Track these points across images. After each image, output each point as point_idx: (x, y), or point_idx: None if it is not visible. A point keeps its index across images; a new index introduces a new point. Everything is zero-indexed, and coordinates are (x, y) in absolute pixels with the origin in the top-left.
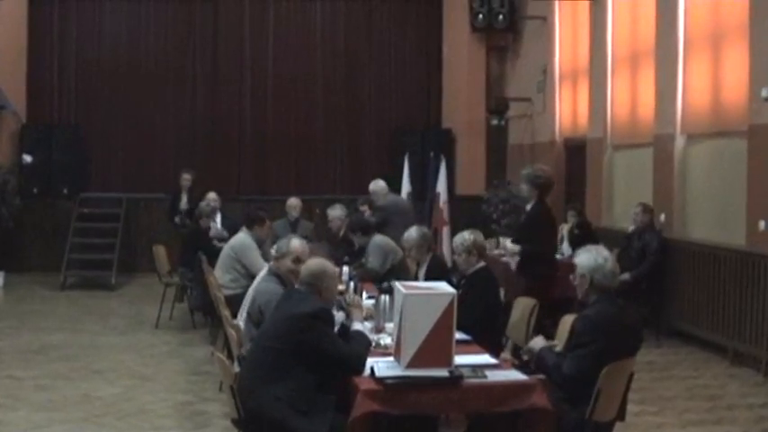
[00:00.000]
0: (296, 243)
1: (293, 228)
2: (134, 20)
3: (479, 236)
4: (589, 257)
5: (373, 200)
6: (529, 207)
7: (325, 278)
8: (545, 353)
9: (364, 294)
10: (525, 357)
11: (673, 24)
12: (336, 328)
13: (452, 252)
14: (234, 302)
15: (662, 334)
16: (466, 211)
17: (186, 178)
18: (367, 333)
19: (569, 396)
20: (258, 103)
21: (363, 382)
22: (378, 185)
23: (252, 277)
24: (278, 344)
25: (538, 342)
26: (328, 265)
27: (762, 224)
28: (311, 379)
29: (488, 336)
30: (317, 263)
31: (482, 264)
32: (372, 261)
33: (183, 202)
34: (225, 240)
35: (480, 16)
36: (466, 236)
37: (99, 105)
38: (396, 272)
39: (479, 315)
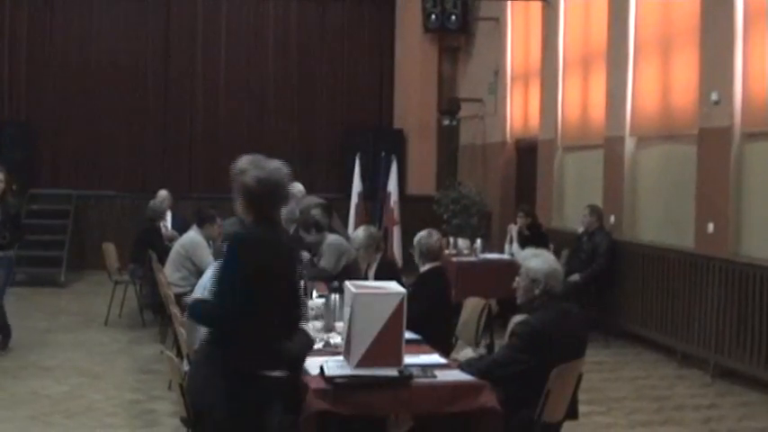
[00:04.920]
0: None
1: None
2: (86, 17)
3: (432, 238)
4: (543, 263)
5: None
6: None
7: None
8: (470, 360)
9: (314, 294)
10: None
11: (624, 27)
12: None
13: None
14: (184, 300)
15: (611, 335)
16: (416, 211)
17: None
18: (311, 332)
19: (511, 396)
20: (210, 102)
21: (313, 382)
22: (296, 188)
23: (201, 275)
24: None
25: (466, 353)
26: None
27: (710, 226)
28: None
29: (438, 335)
30: None
31: (435, 264)
32: (325, 261)
33: None
34: (174, 241)
35: (433, 17)
36: (422, 235)
37: (49, 102)
38: (348, 272)
39: (427, 313)
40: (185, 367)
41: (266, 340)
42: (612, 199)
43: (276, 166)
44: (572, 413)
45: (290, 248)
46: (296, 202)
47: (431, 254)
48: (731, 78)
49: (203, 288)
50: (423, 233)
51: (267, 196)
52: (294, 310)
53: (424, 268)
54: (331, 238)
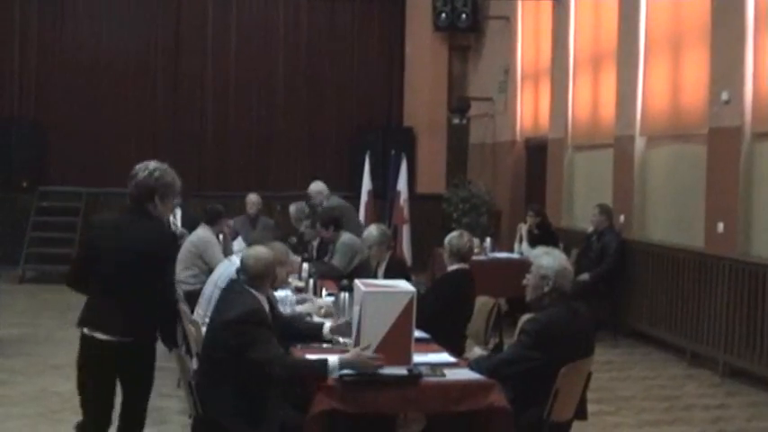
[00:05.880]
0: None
1: (253, 224)
2: (96, 13)
3: (462, 239)
4: (554, 260)
5: (315, 201)
6: None
7: (269, 265)
8: (479, 359)
9: (324, 291)
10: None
11: (634, 26)
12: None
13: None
14: (193, 298)
15: (620, 334)
16: (426, 210)
17: None
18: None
19: (519, 395)
20: (220, 99)
21: (322, 379)
22: (318, 186)
23: (212, 273)
24: (214, 352)
25: (475, 352)
26: (265, 251)
27: (720, 226)
28: (253, 384)
29: (450, 336)
30: (258, 251)
31: (461, 266)
32: (337, 259)
33: None
34: (184, 238)
35: (443, 15)
36: (452, 235)
37: (59, 99)
38: (359, 271)
39: (439, 313)
40: (194, 365)
41: (102, 306)
42: (622, 198)
43: (141, 166)
44: (581, 413)
45: (153, 234)
46: (319, 200)
47: (458, 254)
48: (741, 78)
49: (214, 285)
50: (454, 233)
51: (130, 188)
52: (147, 287)
53: (450, 268)
54: (345, 237)
